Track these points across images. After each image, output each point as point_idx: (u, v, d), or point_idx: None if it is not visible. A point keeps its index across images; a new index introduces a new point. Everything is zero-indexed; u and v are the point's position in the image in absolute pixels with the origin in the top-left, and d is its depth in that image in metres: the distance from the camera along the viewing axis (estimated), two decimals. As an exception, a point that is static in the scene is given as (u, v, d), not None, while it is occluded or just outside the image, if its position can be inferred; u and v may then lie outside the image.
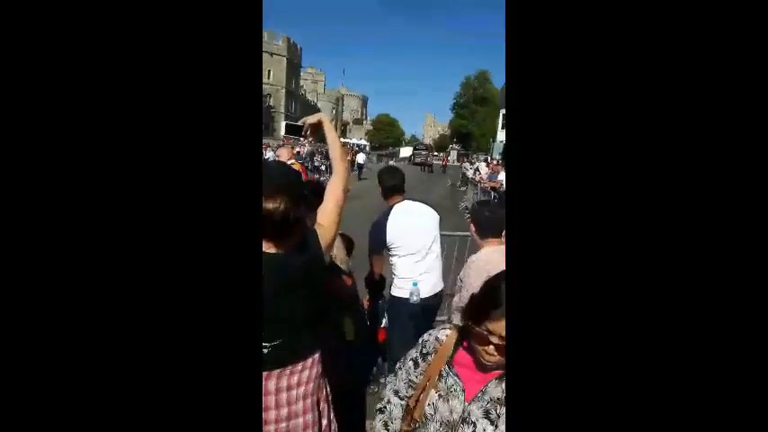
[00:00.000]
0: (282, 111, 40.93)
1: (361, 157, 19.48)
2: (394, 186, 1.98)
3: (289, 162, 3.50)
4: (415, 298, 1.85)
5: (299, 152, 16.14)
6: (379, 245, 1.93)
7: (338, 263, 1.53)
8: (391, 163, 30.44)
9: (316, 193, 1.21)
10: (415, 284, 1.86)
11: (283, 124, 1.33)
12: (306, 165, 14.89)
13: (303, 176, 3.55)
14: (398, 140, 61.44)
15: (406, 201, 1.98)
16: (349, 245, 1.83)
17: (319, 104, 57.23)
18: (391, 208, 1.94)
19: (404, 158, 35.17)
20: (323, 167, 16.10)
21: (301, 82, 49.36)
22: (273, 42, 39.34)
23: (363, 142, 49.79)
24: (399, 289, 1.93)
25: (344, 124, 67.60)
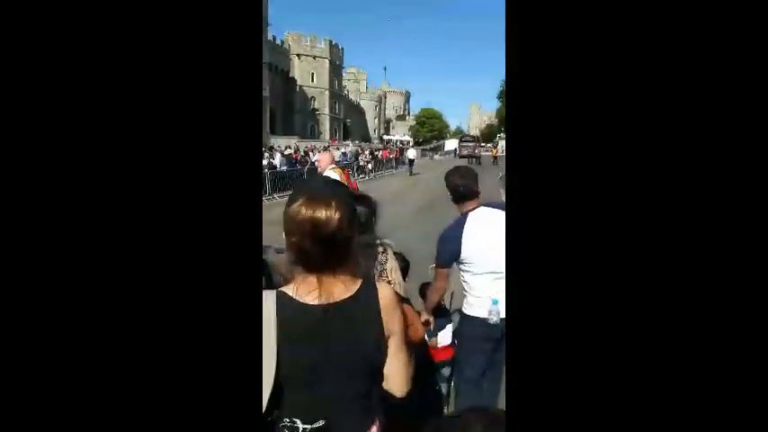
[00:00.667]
0: (327, 113, 41.98)
1: (411, 153, 19.02)
2: (466, 190, 1.71)
3: (330, 168, 3.42)
4: (495, 318, 1.63)
5: (344, 153, 16.45)
6: (449, 259, 1.70)
7: (396, 288, 1.50)
8: (437, 157, 29.91)
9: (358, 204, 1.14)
10: (495, 302, 1.63)
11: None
12: (350, 166, 15.19)
13: (346, 181, 3.54)
14: (443, 133, 60.29)
15: (482, 207, 1.70)
16: (405, 266, 1.63)
17: (362, 104, 57.98)
18: (465, 216, 1.69)
19: (449, 152, 34.31)
20: (369, 166, 16.31)
21: (344, 82, 50.27)
22: (316, 45, 40.42)
23: (407, 138, 49.61)
24: (474, 307, 1.70)
25: (387, 121, 67.85)
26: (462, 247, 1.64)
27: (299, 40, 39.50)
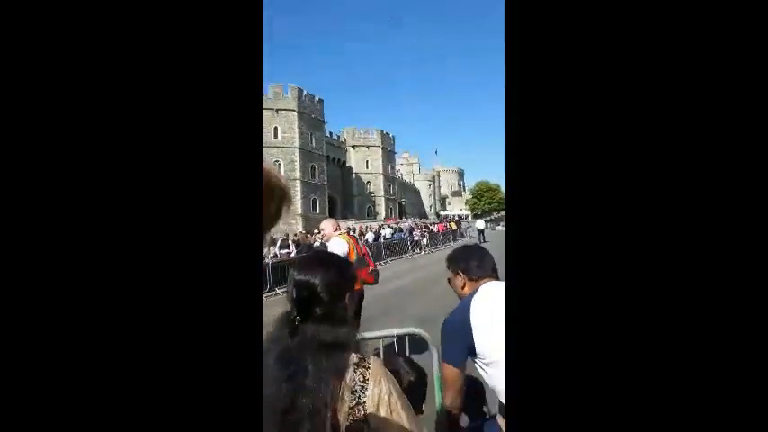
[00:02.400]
0: (382, 194, 43.80)
1: (480, 224, 21.11)
2: (478, 269, 1.28)
3: (336, 235, 2.91)
4: None
5: (400, 229, 16.27)
6: (460, 355, 1.16)
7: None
8: (498, 228, 28.65)
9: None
10: None
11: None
12: (404, 242, 14.78)
13: (356, 248, 2.98)
14: (501, 204, 58.76)
15: (493, 281, 1.27)
16: (415, 382, 1.01)
17: (416, 184, 60.08)
18: (473, 295, 1.21)
19: (510, 222, 32.80)
20: (424, 241, 15.67)
21: (397, 166, 53.12)
22: (368, 136, 44.16)
23: (464, 212, 49.13)
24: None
25: (443, 198, 68.75)
26: (474, 336, 1.14)
27: (353, 133, 43.62)
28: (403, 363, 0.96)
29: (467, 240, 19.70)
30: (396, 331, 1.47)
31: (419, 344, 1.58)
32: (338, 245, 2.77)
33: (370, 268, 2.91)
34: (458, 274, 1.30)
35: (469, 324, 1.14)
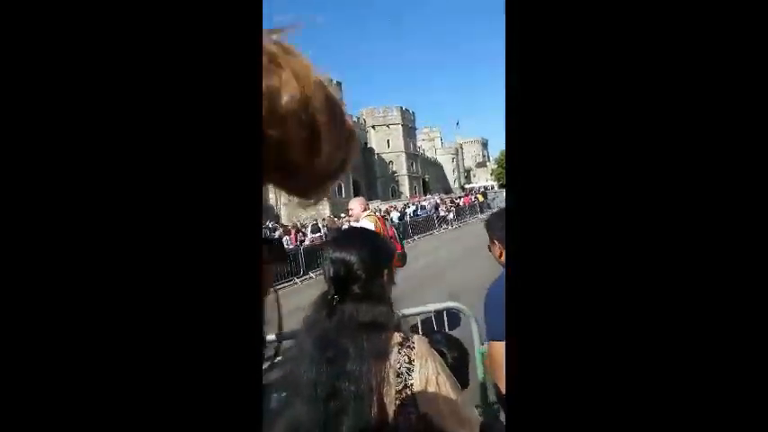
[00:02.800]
0: (405, 173, 43.37)
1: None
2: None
3: (365, 215, 2.84)
4: None
5: (423, 206, 16.10)
6: (502, 327, 1.00)
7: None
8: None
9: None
10: None
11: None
12: (430, 218, 14.64)
13: (382, 228, 2.92)
14: (529, 172, 56.68)
15: None
16: (458, 359, 0.96)
17: (439, 159, 58.92)
18: None
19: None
20: (450, 216, 15.46)
21: (419, 143, 52.12)
22: (388, 114, 43.42)
23: (490, 183, 47.85)
24: None
25: (467, 170, 67.19)
26: None
27: (373, 113, 42.99)
28: (443, 339, 0.92)
29: (494, 211, 19.21)
30: (432, 307, 1.44)
31: (456, 318, 1.54)
32: (365, 227, 2.75)
33: (398, 252, 2.81)
34: (494, 242, 1.23)
35: None
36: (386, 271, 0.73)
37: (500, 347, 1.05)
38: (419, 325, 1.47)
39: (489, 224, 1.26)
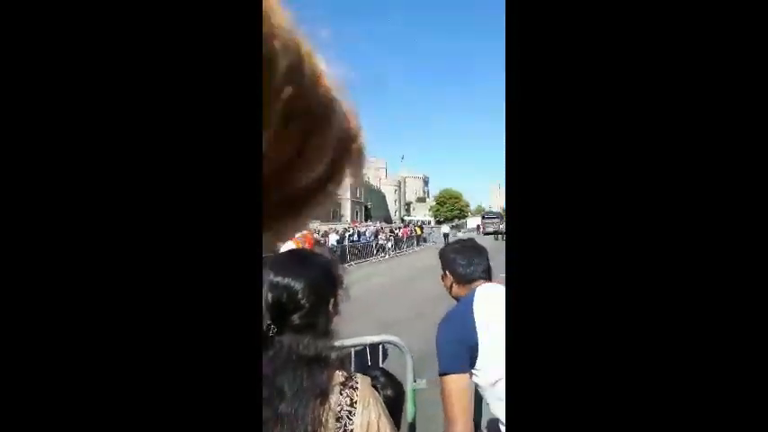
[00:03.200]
0: (349, 197, 43.54)
1: (446, 228, 21.81)
2: (467, 270, 1.15)
3: (297, 235, 2.77)
4: None
5: (363, 233, 16.17)
6: (461, 356, 0.99)
7: None
8: (460, 234, 29.36)
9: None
10: None
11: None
12: (369, 246, 14.74)
13: (309, 244, 2.82)
14: (464, 212, 60.45)
15: (491, 283, 1.14)
16: (393, 397, 0.84)
17: (383, 189, 60.33)
18: (472, 295, 1.07)
19: (471, 229, 33.93)
20: (388, 245, 15.69)
21: (364, 170, 52.89)
22: (338, 139, 43.78)
23: (428, 218, 49.96)
24: None
25: (407, 204, 69.54)
26: (479, 337, 0.97)
27: (323, 135, 43.03)
28: (383, 377, 0.86)
29: (429, 245, 20.00)
30: (369, 339, 1.36)
31: (389, 351, 1.48)
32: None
33: None
34: (446, 273, 1.18)
35: (473, 323, 0.99)
36: (332, 300, 0.66)
37: (457, 381, 0.98)
38: (352, 357, 1.38)
39: (443, 254, 1.22)
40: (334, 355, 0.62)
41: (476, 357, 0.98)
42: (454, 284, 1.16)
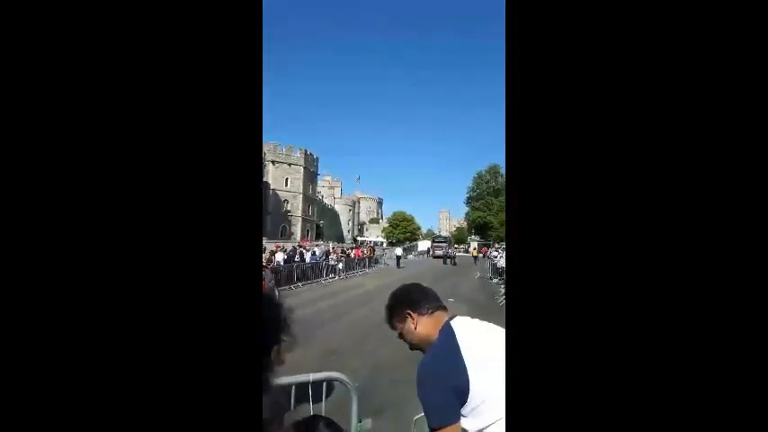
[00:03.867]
0: (300, 214, 42.44)
1: (399, 251, 21.83)
2: (427, 302, 1.08)
3: None
4: None
5: (314, 252, 15.72)
6: (452, 404, 0.88)
7: None
8: (410, 257, 29.70)
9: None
10: None
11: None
12: (318, 266, 14.31)
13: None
14: (415, 235, 61.71)
15: (460, 316, 1.07)
16: None
17: (336, 208, 59.81)
18: (450, 329, 0.99)
19: (422, 252, 34.57)
20: (339, 266, 15.38)
21: (318, 188, 52.33)
22: (292, 154, 42.97)
23: (380, 239, 50.14)
24: None
25: (361, 224, 69.49)
26: (471, 378, 0.88)
27: (275, 150, 42.01)
28: (324, 428, 0.77)
29: (381, 267, 19.94)
30: (312, 376, 1.28)
31: (332, 387, 1.40)
32: None
33: None
34: (406, 317, 1.07)
35: (462, 362, 0.90)
36: (276, 348, 0.58)
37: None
38: (293, 394, 1.28)
39: (394, 304, 1.10)
40: (279, 413, 0.55)
41: (465, 401, 0.88)
42: (420, 323, 1.06)
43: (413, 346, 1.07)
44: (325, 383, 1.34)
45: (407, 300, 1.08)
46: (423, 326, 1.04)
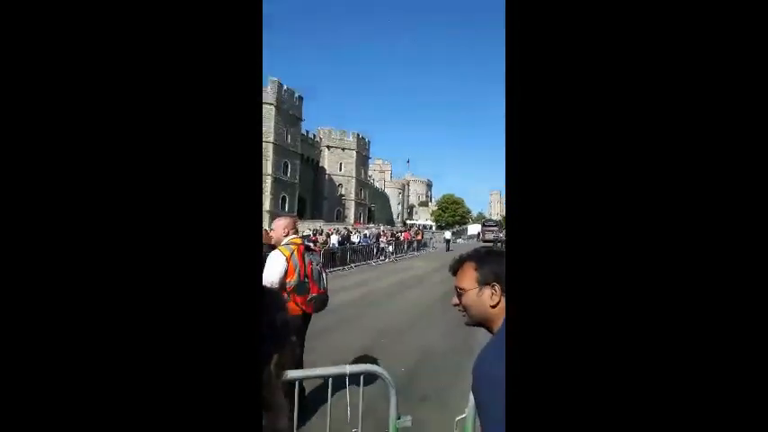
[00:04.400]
0: (353, 198, 43.41)
1: (448, 234, 22.43)
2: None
3: (287, 240, 2.40)
4: None
5: (365, 235, 16.02)
6: None
7: None
8: (460, 240, 28.98)
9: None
10: None
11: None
12: (370, 248, 14.54)
13: (298, 267, 2.20)
14: (465, 218, 60.23)
15: None
16: None
17: (387, 191, 60.26)
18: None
19: (472, 236, 33.68)
20: (389, 248, 15.54)
21: (370, 172, 52.94)
22: (345, 138, 43.75)
23: (429, 222, 49.79)
24: None
25: (411, 207, 69.40)
26: None
27: (330, 134, 43.02)
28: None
29: (430, 250, 19.81)
30: (348, 368, 1.25)
31: (372, 379, 1.36)
32: (275, 262, 2.25)
33: (312, 295, 2.29)
34: (491, 286, 0.85)
35: None
36: (274, 358, 0.51)
37: None
38: (329, 389, 1.26)
39: (482, 260, 0.88)
40: None
41: None
42: (502, 303, 0.84)
43: (473, 321, 0.88)
44: (361, 378, 1.30)
45: (499, 270, 0.85)
46: (501, 308, 0.84)
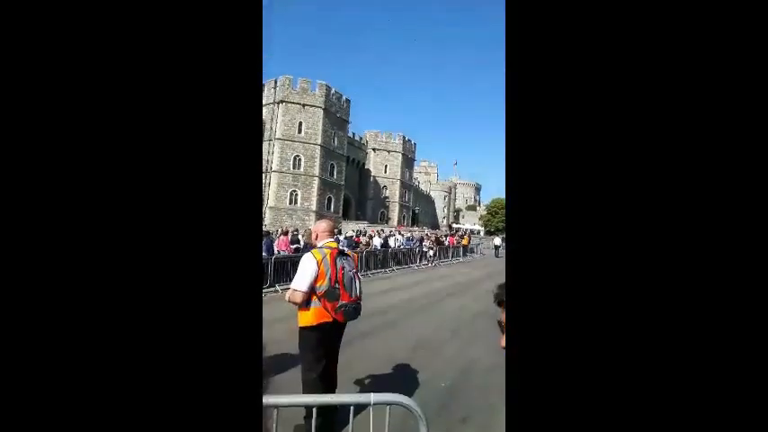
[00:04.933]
0: (397, 200, 43.42)
1: (497, 240, 21.94)
2: None
3: (321, 244, 2.31)
4: None
5: (409, 238, 15.84)
6: None
7: None
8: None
9: None
10: None
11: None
12: (412, 252, 14.31)
13: (330, 271, 2.09)
14: (516, 224, 57.56)
15: None
16: None
17: (432, 194, 59.50)
18: None
19: (524, 243, 32.04)
20: (430, 253, 15.18)
21: (415, 174, 52.62)
22: (390, 141, 43.92)
23: (477, 227, 48.27)
24: None
25: (457, 211, 67.88)
26: None
27: (376, 137, 43.44)
28: None
29: (476, 257, 19.06)
30: (373, 398, 1.09)
31: (399, 412, 1.20)
32: (307, 266, 2.17)
33: (342, 302, 2.16)
34: None
35: None
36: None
37: None
38: (351, 419, 1.11)
39: None
40: None
41: None
42: None
43: None
44: (388, 410, 1.13)
45: None
46: None
